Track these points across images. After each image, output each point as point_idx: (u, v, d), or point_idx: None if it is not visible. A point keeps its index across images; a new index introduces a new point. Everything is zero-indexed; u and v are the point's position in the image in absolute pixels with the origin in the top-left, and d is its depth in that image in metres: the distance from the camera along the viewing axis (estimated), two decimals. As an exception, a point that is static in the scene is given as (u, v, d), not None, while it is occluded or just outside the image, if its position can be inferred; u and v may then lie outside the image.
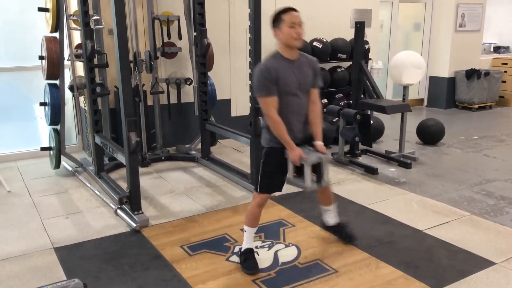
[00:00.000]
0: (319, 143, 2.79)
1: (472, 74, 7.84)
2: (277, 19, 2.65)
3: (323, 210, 3.16)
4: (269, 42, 5.99)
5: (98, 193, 4.06)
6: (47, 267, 2.86)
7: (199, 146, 5.12)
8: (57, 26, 4.36)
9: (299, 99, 2.73)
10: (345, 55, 6.34)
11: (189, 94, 5.31)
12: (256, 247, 3.06)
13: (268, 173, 2.79)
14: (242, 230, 2.94)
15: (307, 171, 2.67)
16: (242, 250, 2.87)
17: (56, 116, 4.50)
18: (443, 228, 3.38)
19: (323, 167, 2.75)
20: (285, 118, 2.67)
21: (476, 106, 8.00)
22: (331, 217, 3.15)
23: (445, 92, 8.10)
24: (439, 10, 7.89)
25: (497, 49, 9.09)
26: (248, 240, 2.88)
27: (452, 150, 5.58)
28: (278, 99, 2.64)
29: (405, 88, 5.10)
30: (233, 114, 5.97)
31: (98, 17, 4.20)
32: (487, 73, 7.90)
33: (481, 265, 2.85)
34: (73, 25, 4.54)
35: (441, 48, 7.99)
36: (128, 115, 3.34)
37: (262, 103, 2.66)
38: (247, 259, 2.83)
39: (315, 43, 6.16)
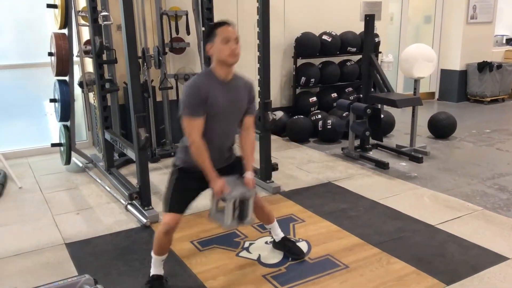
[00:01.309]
0: (248, 176, 2.52)
1: (484, 66, 7.74)
2: (210, 33, 2.40)
3: (267, 228, 2.96)
4: (278, 37, 5.98)
5: (108, 189, 4.08)
6: (59, 263, 2.88)
7: (209, 141, 5.10)
8: (65, 22, 4.38)
9: (228, 124, 2.49)
10: (355, 49, 6.29)
11: (198, 89, 5.29)
12: (266, 242, 3.06)
13: (174, 191, 2.49)
14: (257, 225, 2.88)
15: (229, 208, 2.40)
16: (150, 275, 2.58)
17: (66, 113, 4.52)
18: (455, 223, 3.34)
19: (248, 204, 2.47)
20: (210, 143, 2.40)
21: (488, 99, 7.89)
22: (276, 234, 2.93)
23: (456, 85, 8.01)
24: (450, 1, 7.79)
25: (509, 41, 8.95)
26: (155, 266, 2.57)
27: (464, 144, 5.51)
28: (205, 122, 2.37)
29: (416, 81, 5.04)
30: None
31: (106, 13, 4.20)
32: (499, 66, 7.79)
33: (494, 260, 2.81)
34: (82, 21, 4.54)
35: (452, 41, 7.88)
36: (137, 111, 3.34)
37: (186, 124, 2.36)
38: (153, 287, 2.56)
39: (324, 37, 6.11)
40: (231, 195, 2.40)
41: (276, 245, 2.96)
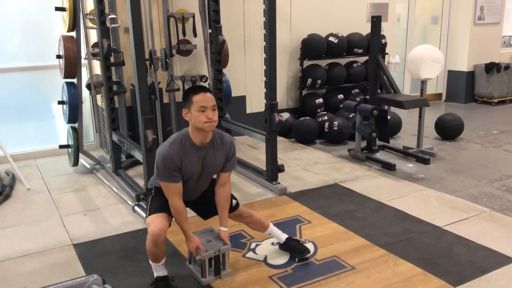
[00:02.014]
0: (222, 231, 2.62)
1: (491, 67, 7.70)
2: (186, 99, 2.41)
3: (268, 234, 2.96)
4: (284, 38, 5.99)
5: (115, 190, 4.10)
6: (67, 263, 2.91)
7: (215, 143, 5.12)
8: (74, 25, 4.41)
9: (201, 182, 2.60)
10: (362, 50, 6.28)
11: (204, 91, 5.31)
12: (273, 243, 3.06)
13: (154, 202, 2.54)
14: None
15: (204, 264, 2.55)
16: (154, 277, 2.59)
17: (74, 115, 4.55)
18: (463, 225, 3.33)
19: (224, 258, 2.62)
20: (184, 194, 2.51)
21: (496, 100, 7.84)
22: (278, 237, 2.94)
23: (464, 86, 7.97)
24: (457, 2, 7.76)
25: (517, 42, 8.90)
26: (157, 269, 2.58)
27: (471, 145, 5.48)
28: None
29: (423, 82, 5.02)
30: (248, 110, 5.97)
31: (114, 16, 4.23)
32: (507, 67, 7.74)
33: (501, 262, 2.80)
34: (90, 24, 4.58)
35: (459, 42, 7.85)
36: (144, 113, 3.36)
37: (164, 188, 2.46)
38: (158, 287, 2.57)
39: (331, 38, 6.11)
40: (207, 254, 2.53)
41: (282, 246, 2.97)
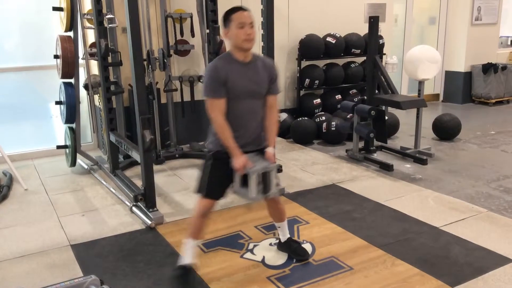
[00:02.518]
0: (269, 151, 2.59)
1: (489, 68, 7.72)
2: (226, 19, 2.48)
3: (276, 226, 2.96)
4: (282, 39, 5.99)
5: (113, 191, 4.10)
6: (64, 264, 2.90)
7: (213, 143, 5.11)
8: (71, 25, 4.41)
9: (251, 104, 2.54)
10: (359, 50, 6.28)
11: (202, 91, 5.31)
12: (271, 244, 3.06)
13: (213, 177, 2.57)
14: (261, 226, 2.89)
15: (252, 181, 2.48)
16: (179, 264, 2.64)
17: (71, 115, 4.55)
18: (460, 225, 3.33)
19: (270, 177, 2.54)
20: (234, 123, 2.49)
21: (493, 100, 7.87)
22: (283, 234, 2.94)
23: (461, 86, 7.99)
24: (455, 3, 7.78)
25: (514, 43, 8.93)
26: (188, 254, 2.64)
27: (468, 145, 5.50)
28: (228, 102, 2.47)
29: (421, 83, 5.03)
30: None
31: (111, 16, 4.22)
32: (504, 67, 7.76)
33: (498, 262, 2.81)
34: (87, 24, 4.58)
35: (457, 42, 7.87)
36: (142, 113, 3.36)
37: (208, 105, 2.48)
38: (181, 275, 2.60)
39: (329, 39, 6.11)
40: (254, 169, 2.47)
41: (281, 246, 2.97)
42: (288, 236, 2.95)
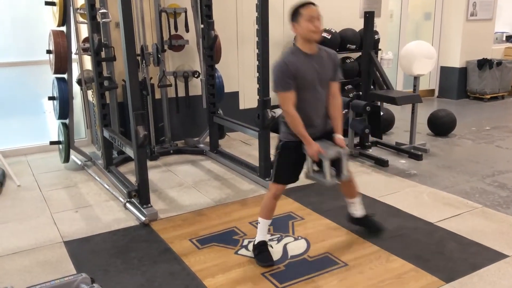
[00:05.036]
0: (338, 137, 2.77)
1: (484, 64, 7.72)
2: (295, 14, 2.65)
3: (348, 203, 3.14)
4: (277, 34, 5.96)
5: (107, 187, 4.07)
6: (57, 261, 2.88)
7: (207, 139, 5.10)
8: (64, 20, 4.36)
9: (318, 93, 2.71)
10: (355, 46, 6.27)
11: (196, 87, 5.29)
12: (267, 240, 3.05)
13: (283, 165, 2.79)
14: (256, 222, 2.92)
15: (326, 166, 2.65)
16: (256, 243, 2.86)
17: (64, 110, 4.51)
18: (455, 221, 3.33)
19: (342, 161, 2.71)
20: (304, 112, 2.66)
21: (488, 96, 7.88)
22: (356, 210, 3.12)
23: (456, 82, 7.99)
24: (450, -2, 7.77)
25: (509, 38, 8.93)
26: (261, 232, 2.87)
27: (463, 141, 5.50)
28: (296, 94, 2.63)
29: (416, 78, 5.03)
30: (241, 106, 5.95)
31: (105, 10, 4.18)
32: (499, 63, 7.77)
33: (493, 258, 2.81)
34: (80, 19, 4.53)
35: (452, 38, 7.87)
36: (136, 109, 3.33)
37: (280, 98, 2.65)
38: (261, 252, 2.82)
39: (324, 34, 6.08)
40: (328, 155, 2.63)
41: (354, 220, 3.16)
42: (363, 213, 3.13)
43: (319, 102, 2.73)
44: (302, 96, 2.65)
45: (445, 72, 8.10)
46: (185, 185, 4.16)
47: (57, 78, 4.52)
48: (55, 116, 4.69)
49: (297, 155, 2.74)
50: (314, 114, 2.72)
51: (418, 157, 4.76)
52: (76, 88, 4.72)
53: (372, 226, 3.14)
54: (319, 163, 2.69)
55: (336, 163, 2.70)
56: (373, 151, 5.00)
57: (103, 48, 4.38)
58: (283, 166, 2.79)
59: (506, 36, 8.94)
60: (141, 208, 3.46)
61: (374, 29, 5.44)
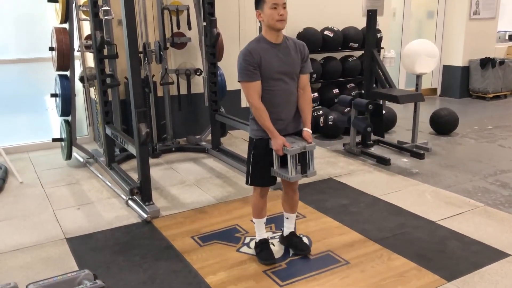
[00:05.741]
0: (306, 131, 2.66)
1: (486, 62, 7.70)
2: (260, 0, 2.54)
3: (284, 217, 2.95)
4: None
5: (109, 184, 4.07)
6: (60, 258, 2.88)
7: (209, 137, 5.10)
8: (66, 17, 4.36)
9: (286, 85, 2.59)
10: (357, 44, 6.26)
11: (199, 84, 5.29)
12: (267, 237, 3.05)
13: (258, 165, 2.66)
14: (252, 221, 2.92)
15: (291, 161, 2.55)
16: (257, 241, 2.86)
17: (67, 107, 4.51)
18: (457, 220, 3.33)
19: (308, 157, 2.61)
20: (271, 105, 2.56)
21: (491, 95, 7.86)
22: (288, 227, 2.95)
23: (459, 81, 7.97)
24: (453, -3, 7.74)
25: (512, 37, 8.91)
26: (259, 231, 2.86)
27: (466, 140, 5.49)
28: (262, 84, 2.53)
29: (418, 77, 5.02)
30: (243, 104, 5.94)
31: (107, 8, 4.19)
32: (502, 62, 7.75)
33: (495, 257, 2.81)
34: (83, 16, 4.53)
35: (455, 37, 7.84)
36: (138, 106, 3.33)
37: (244, 89, 2.56)
38: (262, 249, 2.81)
39: (326, 32, 6.08)
40: (293, 150, 2.52)
41: (283, 239, 2.98)
42: (292, 230, 2.96)
43: (286, 95, 2.61)
44: (268, 87, 2.55)
45: (447, 71, 8.08)
46: (187, 183, 4.16)
47: (60, 75, 4.53)
48: (58, 113, 4.69)
49: (269, 157, 2.61)
50: (282, 106, 2.60)
51: (420, 156, 4.75)
52: (78, 85, 4.72)
53: (297, 246, 2.89)
54: (285, 158, 2.58)
55: (302, 159, 2.59)
56: (375, 150, 5.00)
57: (106, 46, 4.38)
58: (257, 168, 2.66)
59: (509, 35, 8.90)
60: (143, 206, 3.46)
61: (377, 27, 5.43)
